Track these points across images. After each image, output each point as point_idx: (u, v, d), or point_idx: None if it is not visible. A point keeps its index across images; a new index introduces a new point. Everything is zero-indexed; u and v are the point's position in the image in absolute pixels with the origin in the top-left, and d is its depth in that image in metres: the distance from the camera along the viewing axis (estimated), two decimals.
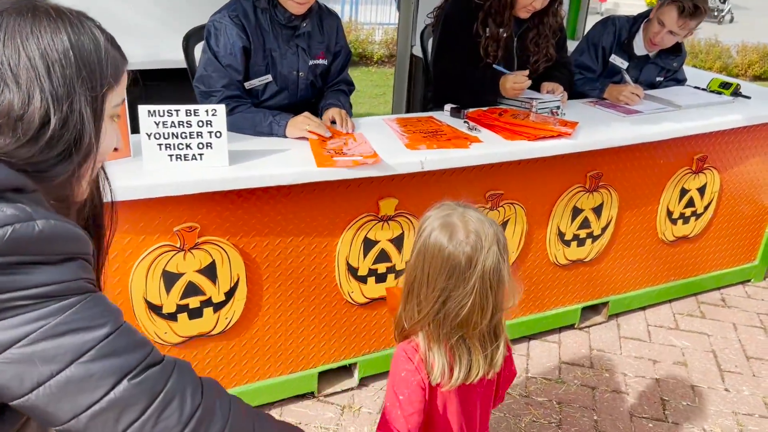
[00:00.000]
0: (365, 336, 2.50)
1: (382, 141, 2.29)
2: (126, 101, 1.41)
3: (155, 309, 2.04)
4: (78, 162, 0.85)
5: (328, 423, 2.39)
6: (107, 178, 1.03)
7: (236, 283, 2.13)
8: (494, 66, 2.69)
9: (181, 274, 2.03)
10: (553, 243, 2.74)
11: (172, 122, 1.87)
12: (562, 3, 2.84)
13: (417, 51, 3.74)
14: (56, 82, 0.80)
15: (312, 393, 2.48)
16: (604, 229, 2.84)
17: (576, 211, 2.72)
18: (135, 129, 1.91)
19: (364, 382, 2.57)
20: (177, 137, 1.88)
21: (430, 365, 1.27)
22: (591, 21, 4.14)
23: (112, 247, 1.10)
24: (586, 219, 2.76)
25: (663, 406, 2.58)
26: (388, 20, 10.38)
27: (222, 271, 2.09)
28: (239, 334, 2.23)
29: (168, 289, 2.03)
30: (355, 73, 8.16)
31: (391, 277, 2.42)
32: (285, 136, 2.21)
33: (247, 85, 2.32)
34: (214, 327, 2.16)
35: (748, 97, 3.13)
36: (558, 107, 2.68)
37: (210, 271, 2.07)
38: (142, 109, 1.85)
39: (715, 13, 16.43)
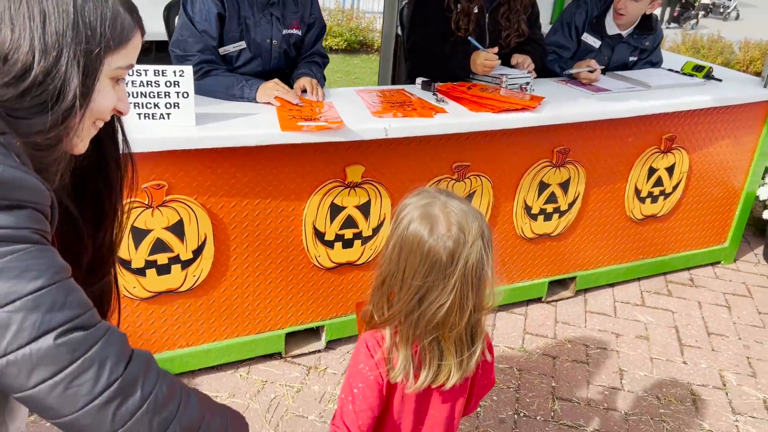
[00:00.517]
0: (332, 300, 2.58)
1: (350, 109, 2.36)
2: None
3: (124, 264, 2.12)
4: (58, 117, 0.84)
5: (293, 382, 2.48)
6: (124, 135, 1.05)
7: (204, 242, 2.21)
8: (469, 38, 2.74)
9: (150, 231, 2.11)
10: (520, 216, 2.81)
11: (141, 81, 1.95)
12: None
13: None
14: (49, 33, 0.82)
15: (279, 353, 2.57)
16: (571, 205, 2.91)
17: (543, 186, 2.79)
18: None
19: (331, 345, 2.66)
20: (145, 96, 1.96)
21: (392, 362, 1.19)
22: None
23: None
24: (553, 194, 2.83)
25: (621, 376, 2.66)
26: None
27: (190, 230, 2.17)
28: (207, 292, 2.31)
29: (137, 244, 2.11)
30: (355, 61, 8.28)
31: (357, 243, 2.50)
32: (255, 101, 2.28)
33: (222, 51, 2.39)
34: (182, 284, 2.24)
35: (720, 80, 3.18)
36: (528, 83, 2.74)
37: (178, 229, 2.15)
38: None
39: (721, 10, 16.40)
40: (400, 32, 3.94)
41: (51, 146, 0.87)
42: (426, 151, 2.46)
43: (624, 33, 3.15)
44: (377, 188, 2.44)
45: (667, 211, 3.21)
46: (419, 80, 2.69)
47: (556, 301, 3.14)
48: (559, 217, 2.91)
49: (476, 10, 2.74)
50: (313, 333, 2.65)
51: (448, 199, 1.17)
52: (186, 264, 2.21)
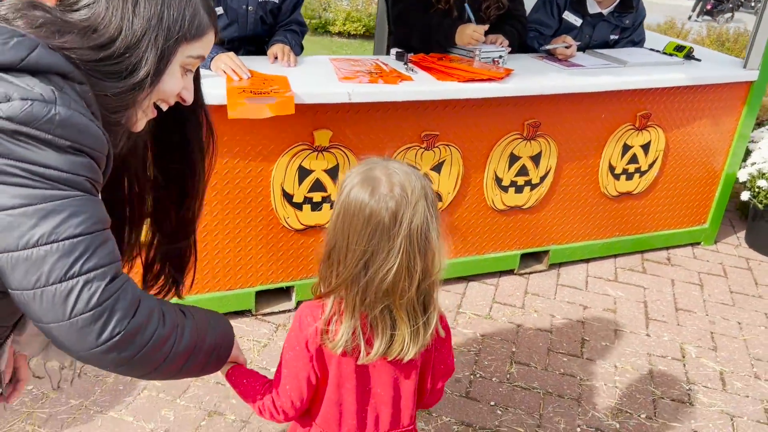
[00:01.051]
0: (303, 261, 2.67)
1: (319, 75, 2.44)
2: None
3: None
4: (128, 87, 0.98)
5: (261, 338, 2.58)
6: (209, 123, 1.24)
7: None
8: (465, 5, 2.77)
9: None
10: (491, 188, 2.87)
11: None
12: None
13: None
14: (138, 16, 0.96)
15: (250, 311, 2.68)
16: (543, 178, 2.96)
17: (513, 158, 2.85)
18: None
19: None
20: None
21: (333, 333, 1.16)
22: None
23: None
24: (524, 166, 2.89)
25: (582, 345, 2.72)
26: None
27: None
28: None
29: None
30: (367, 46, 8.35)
31: (326, 207, 2.58)
32: (209, 69, 2.35)
33: None
34: None
35: (699, 60, 3.20)
36: (501, 57, 2.79)
37: None
38: None
39: (753, 4, 16.08)
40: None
41: (119, 110, 1.00)
42: (394, 118, 2.54)
43: (605, 11, 3.18)
44: (345, 154, 2.52)
45: (643, 189, 3.25)
46: (393, 50, 2.76)
47: (529, 273, 3.20)
48: (531, 190, 2.96)
49: None
50: (284, 293, 2.75)
51: (389, 162, 1.16)
52: None
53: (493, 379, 2.47)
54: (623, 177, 3.15)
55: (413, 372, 1.25)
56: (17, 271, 0.87)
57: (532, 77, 2.71)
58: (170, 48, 1.00)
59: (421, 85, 2.46)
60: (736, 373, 2.62)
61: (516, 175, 2.89)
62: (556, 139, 2.90)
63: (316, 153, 2.48)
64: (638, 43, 3.38)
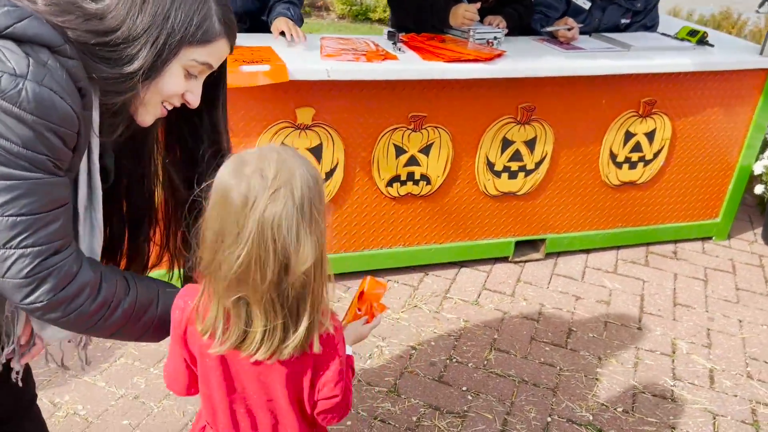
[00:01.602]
0: None
1: (303, 53, 2.43)
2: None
3: None
4: (117, 75, 1.00)
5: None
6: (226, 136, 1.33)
7: None
8: None
9: None
10: (482, 172, 2.82)
11: None
12: None
13: None
14: (144, 12, 0.99)
15: None
16: (538, 164, 2.89)
17: (506, 142, 2.79)
18: None
19: None
20: None
21: (202, 314, 1.11)
22: None
23: None
24: (517, 151, 2.82)
25: (568, 335, 2.66)
26: None
27: None
28: None
29: None
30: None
31: None
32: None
33: None
34: None
35: (712, 45, 3.06)
36: (496, 38, 2.73)
37: None
38: None
39: None
40: None
41: (109, 95, 1.03)
42: (378, 98, 2.51)
43: None
44: (329, 132, 2.51)
45: (648, 179, 3.13)
46: (385, 30, 2.73)
47: (525, 262, 3.14)
48: (525, 176, 2.90)
49: None
50: None
51: (274, 148, 1.05)
52: None
53: (469, 365, 2.44)
54: (626, 166, 3.05)
55: (285, 380, 1.14)
56: None
57: (526, 59, 2.63)
58: (171, 48, 1.02)
59: (405, 64, 2.42)
60: (727, 371, 2.51)
61: (509, 160, 2.83)
62: (552, 124, 2.82)
63: (299, 131, 2.48)
64: (651, 27, 3.25)
